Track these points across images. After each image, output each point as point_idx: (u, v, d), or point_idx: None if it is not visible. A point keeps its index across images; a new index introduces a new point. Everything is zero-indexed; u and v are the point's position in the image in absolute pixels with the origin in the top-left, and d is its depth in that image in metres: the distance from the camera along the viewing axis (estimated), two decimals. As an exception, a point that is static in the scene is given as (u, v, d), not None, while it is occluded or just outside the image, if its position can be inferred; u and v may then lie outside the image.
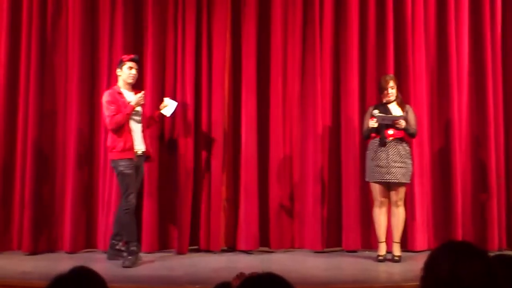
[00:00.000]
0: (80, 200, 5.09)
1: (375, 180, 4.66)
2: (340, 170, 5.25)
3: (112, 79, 5.13)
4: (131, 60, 4.62)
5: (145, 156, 4.69)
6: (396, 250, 4.68)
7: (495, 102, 5.33)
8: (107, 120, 4.52)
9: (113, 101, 4.51)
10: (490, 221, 5.18)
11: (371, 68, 5.31)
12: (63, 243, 5.07)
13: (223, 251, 5.16)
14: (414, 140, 5.07)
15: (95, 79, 5.25)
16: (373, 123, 4.63)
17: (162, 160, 5.21)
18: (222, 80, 5.26)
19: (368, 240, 5.16)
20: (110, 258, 4.64)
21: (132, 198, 4.48)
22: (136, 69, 4.65)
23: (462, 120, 5.32)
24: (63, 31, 5.26)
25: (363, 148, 5.23)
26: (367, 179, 4.78)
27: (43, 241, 5.06)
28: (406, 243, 5.07)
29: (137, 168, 4.57)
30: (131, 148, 4.48)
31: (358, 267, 4.53)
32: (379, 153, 4.63)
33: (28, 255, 4.92)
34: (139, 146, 4.58)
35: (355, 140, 5.20)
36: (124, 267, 4.37)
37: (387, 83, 4.74)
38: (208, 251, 5.09)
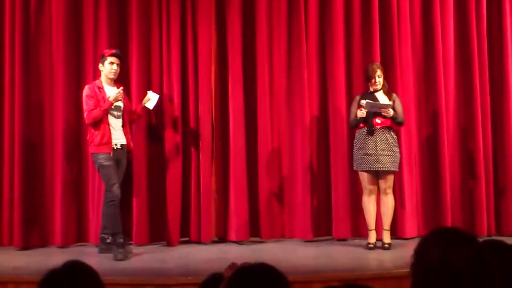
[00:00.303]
0: (70, 193, 5.08)
1: (363, 169, 4.70)
2: (329, 160, 5.28)
3: (98, 73, 5.11)
4: (113, 55, 4.64)
5: (127, 150, 4.71)
6: (386, 238, 4.73)
7: (482, 91, 5.38)
8: (85, 115, 4.57)
9: (91, 96, 4.55)
10: (478, 207, 5.25)
11: (357, 59, 5.34)
12: (54, 238, 5.06)
13: (214, 242, 5.19)
14: (402, 129, 5.12)
15: (80, 73, 5.22)
16: (361, 113, 4.65)
17: (151, 153, 5.21)
18: (209, 73, 5.26)
19: (358, 229, 5.20)
20: (101, 252, 4.66)
21: (116, 189, 4.51)
22: (118, 64, 4.67)
23: (449, 110, 5.36)
24: (46, 25, 5.22)
25: (351, 138, 5.25)
26: (355, 168, 4.81)
27: (34, 236, 5.05)
28: (396, 231, 5.12)
29: (117, 162, 4.60)
30: (108, 142, 4.52)
31: (348, 255, 4.58)
32: (367, 142, 4.67)
33: (20, 250, 4.91)
34: (118, 140, 4.60)
35: (343, 131, 5.24)
36: (116, 260, 4.38)
37: (374, 71, 4.76)
38: (199, 242, 5.11)
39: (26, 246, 4.96)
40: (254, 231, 5.23)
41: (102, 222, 4.68)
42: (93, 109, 4.51)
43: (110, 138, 4.53)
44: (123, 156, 4.68)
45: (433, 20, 5.37)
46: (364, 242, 4.83)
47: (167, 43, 5.22)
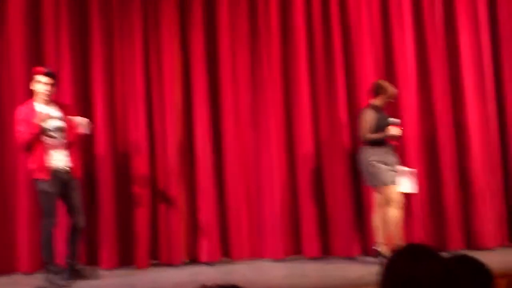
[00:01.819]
0: (34, 218, 4.90)
1: (393, 183, 4.69)
2: (296, 178, 5.30)
3: (61, 91, 4.98)
4: (44, 74, 4.37)
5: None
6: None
7: (442, 101, 5.47)
8: (16, 140, 4.38)
9: (23, 119, 4.30)
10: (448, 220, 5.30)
11: (320, 71, 5.39)
12: (20, 265, 4.93)
13: (185, 263, 5.13)
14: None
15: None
16: (397, 131, 4.69)
17: (118, 174, 5.13)
18: (173, 92, 5.24)
19: (327, 246, 5.22)
20: (71, 278, 4.49)
21: (55, 218, 4.33)
22: (51, 84, 4.39)
23: (413, 122, 5.40)
24: (4, 43, 5.11)
25: (318, 154, 5.30)
26: (384, 183, 4.68)
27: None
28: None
29: (64, 185, 4.38)
30: (45, 167, 4.28)
31: (319, 273, 4.58)
32: (388, 157, 4.71)
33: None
34: (60, 162, 4.37)
35: (310, 147, 5.28)
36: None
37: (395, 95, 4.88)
38: (169, 264, 5.04)
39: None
40: (225, 251, 5.20)
41: (69, 249, 4.54)
42: (23, 133, 4.25)
43: (47, 162, 4.28)
44: (70, 177, 4.43)
45: (392, 27, 5.46)
46: (335, 260, 4.84)
47: (130, 62, 5.18)
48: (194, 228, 5.22)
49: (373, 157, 4.72)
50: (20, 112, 4.37)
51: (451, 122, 5.45)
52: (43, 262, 4.44)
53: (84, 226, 4.59)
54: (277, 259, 5.13)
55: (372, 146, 4.74)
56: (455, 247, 5.17)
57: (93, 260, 5.04)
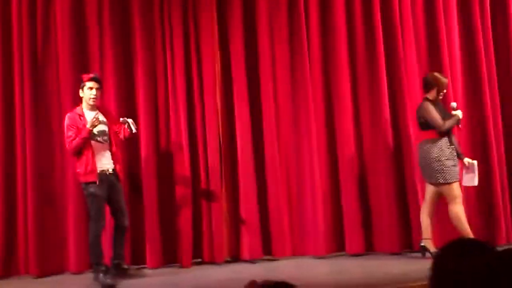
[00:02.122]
0: (82, 219, 5.08)
1: (457, 179, 4.64)
2: (338, 174, 5.29)
3: (105, 97, 5.13)
4: (91, 79, 4.57)
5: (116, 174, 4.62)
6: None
7: (491, 94, 5.39)
8: (66, 145, 4.55)
9: (72, 125, 4.51)
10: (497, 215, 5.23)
11: (362, 69, 5.36)
12: (69, 264, 5.07)
13: (227, 261, 5.18)
14: (412, 134, 5.16)
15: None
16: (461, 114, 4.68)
17: (161, 174, 5.22)
18: (214, 92, 5.29)
19: (371, 243, 5.20)
20: (119, 278, 4.62)
21: (103, 221, 4.50)
22: (97, 88, 4.59)
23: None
24: (53, 51, 5.24)
25: (359, 151, 5.27)
26: (444, 181, 4.61)
27: (49, 263, 5.04)
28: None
29: (111, 187, 4.54)
30: (93, 170, 4.45)
31: (363, 270, 4.56)
32: (451, 152, 4.65)
33: (36, 278, 4.91)
34: (106, 165, 4.54)
35: (350, 144, 5.26)
36: (105, 286, 4.37)
37: (447, 85, 4.81)
38: (212, 263, 5.10)
39: (41, 274, 4.96)
40: (266, 249, 5.23)
41: (115, 249, 4.68)
42: (74, 139, 4.45)
43: (94, 165, 4.45)
44: (116, 180, 4.60)
45: (437, 24, 5.38)
46: (377, 256, 4.81)
47: (171, 64, 5.26)
48: (236, 227, 5.26)
49: (437, 153, 4.63)
50: (69, 118, 4.55)
51: (498, 116, 5.36)
52: (92, 263, 4.57)
53: (128, 226, 4.71)
54: (319, 256, 5.14)
55: (438, 139, 4.64)
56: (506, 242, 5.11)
57: (138, 259, 5.15)
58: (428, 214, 4.71)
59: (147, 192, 5.14)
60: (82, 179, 4.50)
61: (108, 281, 4.41)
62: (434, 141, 4.64)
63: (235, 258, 5.23)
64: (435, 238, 4.73)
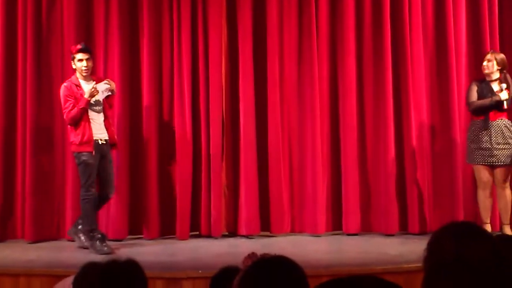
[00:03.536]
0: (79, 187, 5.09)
1: (478, 163, 4.63)
2: (339, 153, 5.28)
3: (109, 70, 5.15)
4: (79, 51, 4.52)
5: (110, 144, 4.66)
6: (508, 232, 4.61)
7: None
8: (64, 115, 4.54)
9: (69, 95, 4.49)
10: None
11: (368, 51, 5.31)
12: (66, 231, 5.08)
13: (224, 236, 5.19)
14: (414, 123, 5.13)
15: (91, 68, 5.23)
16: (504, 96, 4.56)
17: (161, 148, 5.22)
18: (219, 66, 5.25)
19: (368, 223, 5.20)
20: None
21: (93, 189, 4.51)
22: (87, 59, 4.54)
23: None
24: (58, 23, 5.21)
25: (362, 130, 5.25)
26: (468, 161, 4.72)
27: (45, 229, 5.06)
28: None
29: (102, 157, 4.56)
30: (90, 140, 4.46)
31: (359, 250, 4.57)
32: (481, 135, 4.60)
33: (31, 243, 4.94)
34: (101, 135, 4.56)
35: (353, 123, 5.23)
36: (102, 254, 4.31)
37: (484, 56, 4.72)
38: (209, 236, 5.11)
39: (37, 239, 4.98)
40: (264, 226, 5.23)
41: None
42: (72, 109, 4.44)
43: (91, 136, 4.47)
44: (107, 150, 4.63)
45: (445, 13, 5.32)
46: (374, 237, 4.82)
47: (177, 36, 5.22)
48: (234, 201, 5.26)
49: (468, 134, 4.67)
50: (67, 88, 4.53)
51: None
52: (86, 231, 4.56)
53: (111, 198, 4.72)
54: (316, 234, 5.14)
55: (473, 120, 4.67)
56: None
57: (135, 229, 5.17)
58: (484, 196, 4.73)
59: (147, 163, 5.14)
60: (77, 148, 4.50)
61: (105, 249, 4.43)
62: (473, 123, 4.68)
63: (232, 233, 5.24)
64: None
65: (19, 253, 4.56)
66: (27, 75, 5.10)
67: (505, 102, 4.60)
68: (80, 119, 4.46)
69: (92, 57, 4.65)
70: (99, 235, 4.50)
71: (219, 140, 5.20)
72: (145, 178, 5.13)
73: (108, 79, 4.68)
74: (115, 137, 4.74)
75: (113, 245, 4.72)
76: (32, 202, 5.00)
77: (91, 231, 4.51)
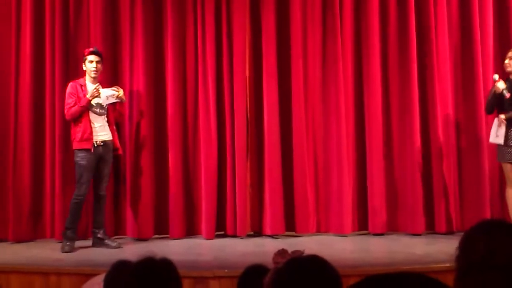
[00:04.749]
0: (109, 185, 5.14)
1: (507, 161, 4.56)
2: (365, 153, 5.24)
3: (134, 70, 5.21)
4: (91, 53, 4.75)
5: (113, 148, 4.81)
6: None
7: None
8: (65, 111, 4.74)
9: (73, 93, 4.71)
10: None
11: (393, 49, 5.27)
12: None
13: (249, 236, 5.20)
14: (439, 118, 5.06)
15: (117, 69, 5.31)
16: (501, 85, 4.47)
17: (186, 147, 5.26)
18: (243, 67, 5.26)
19: (395, 223, 5.16)
20: (94, 246, 4.79)
21: (84, 189, 4.65)
22: (97, 61, 4.74)
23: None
24: (84, 23, 5.30)
25: (387, 128, 5.20)
26: (498, 159, 4.67)
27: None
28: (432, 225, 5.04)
29: (100, 158, 4.70)
30: (89, 138, 4.64)
31: (385, 249, 4.54)
32: (508, 133, 4.52)
33: (61, 242, 5.00)
34: (100, 137, 4.70)
35: (378, 123, 5.19)
36: (63, 252, 4.55)
37: (507, 53, 4.63)
38: (234, 236, 5.12)
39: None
40: (289, 225, 5.22)
41: (93, 217, 4.85)
42: (72, 106, 4.65)
43: (90, 134, 4.64)
44: (106, 152, 4.75)
45: (470, 4, 5.26)
46: (401, 236, 4.77)
47: (201, 38, 5.25)
48: (259, 201, 5.26)
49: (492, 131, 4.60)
50: (71, 86, 4.74)
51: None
52: (64, 227, 4.71)
53: (103, 196, 4.81)
54: (342, 234, 5.12)
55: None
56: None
57: (161, 229, 5.21)
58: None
59: (173, 163, 5.18)
60: (76, 146, 4.68)
61: (66, 247, 4.59)
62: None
63: (258, 232, 5.25)
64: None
65: (48, 252, 4.64)
66: (55, 77, 5.18)
67: (504, 92, 4.48)
68: (80, 117, 4.65)
69: (101, 61, 4.81)
70: (71, 235, 4.65)
71: (243, 140, 5.22)
72: (170, 178, 5.17)
73: (116, 87, 4.82)
74: (117, 142, 4.87)
75: (139, 245, 4.78)
76: (61, 202, 5.07)
77: (66, 229, 4.67)
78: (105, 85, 4.85)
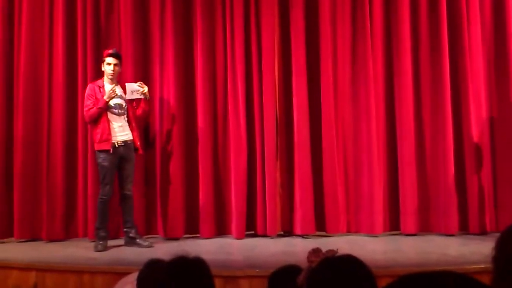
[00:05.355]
0: (140, 186, 5.20)
1: None
2: (396, 152, 5.18)
3: (164, 71, 5.26)
4: (109, 55, 4.79)
5: (134, 148, 4.83)
6: None
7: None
8: (84, 113, 4.81)
9: (91, 95, 4.77)
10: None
11: (424, 48, 5.20)
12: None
13: (280, 235, 5.19)
14: (472, 118, 4.98)
15: (147, 71, 5.36)
16: None
17: (216, 147, 5.28)
18: (272, 67, 5.26)
19: (427, 223, 5.09)
20: (127, 245, 4.84)
21: (108, 189, 4.71)
22: (115, 64, 4.79)
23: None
24: (115, 24, 5.38)
25: (419, 128, 5.13)
26: None
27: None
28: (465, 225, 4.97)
29: (121, 159, 4.74)
30: (108, 139, 4.68)
31: (417, 250, 4.48)
32: None
33: (94, 241, 5.08)
34: (120, 137, 4.74)
35: (410, 122, 5.13)
36: (96, 251, 4.62)
37: None
38: (264, 235, 5.12)
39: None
40: (320, 225, 5.20)
41: (123, 217, 4.90)
42: (91, 108, 4.70)
43: (109, 135, 4.69)
44: (127, 152, 4.79)
45: (504, 2, 5.15)
46: (433, 237, 4.70)
47: (231, 39, 5.26)
48: (290, 201, 5.25)
49: None
50: (90, 88, 4.81)
51: None
52: (95, 228, 4.79)
53: (130, 195, 4.85)
54: (373, 234, 5.07)
55: None
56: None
57: (191, 229, 5.25)
58: None
59: (203, 163, 5.21)
60: (96, 146, 4.74)
61: (99, 246, 4.67)
62: None
63: (288, 232, 5.23)
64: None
65: (82, 251, 4.71)
66: (87, 79, 5.25)
67: None
68: (99, 118, 4.71)
69: (120, 63, 4.87)
70: (103, 234, 4.72)
71: (273, 140, 5.21)
72: (201, 178, 5.20)
73: (141, 82, 4.86)
74: (138, 141, 4.86)
75: (170, 244, 4.83)
76: (93, 202, 5.13)
77: (97, 229, 4.74)
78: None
